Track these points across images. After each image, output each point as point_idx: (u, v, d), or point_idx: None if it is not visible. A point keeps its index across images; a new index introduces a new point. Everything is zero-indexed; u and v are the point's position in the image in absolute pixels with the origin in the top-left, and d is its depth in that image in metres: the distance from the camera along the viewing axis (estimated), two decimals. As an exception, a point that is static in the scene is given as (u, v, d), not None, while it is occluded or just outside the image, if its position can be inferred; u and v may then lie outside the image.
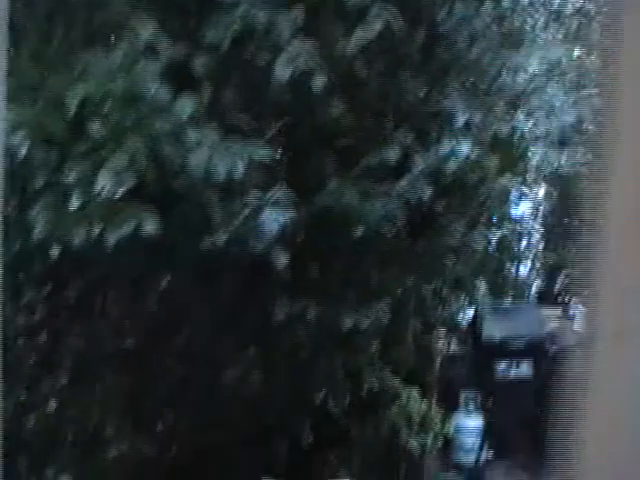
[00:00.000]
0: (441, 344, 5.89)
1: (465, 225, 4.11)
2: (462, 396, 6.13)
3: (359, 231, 2.90)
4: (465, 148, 3.18)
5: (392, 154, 2.94)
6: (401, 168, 3.07)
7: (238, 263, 2.92)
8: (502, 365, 6.20)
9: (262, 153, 2.48)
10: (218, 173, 2.37)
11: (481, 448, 5.97)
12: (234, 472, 4.17)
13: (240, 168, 2.42)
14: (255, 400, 3.87)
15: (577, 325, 6.29)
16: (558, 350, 6.14)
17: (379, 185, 3.01)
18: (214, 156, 2.36)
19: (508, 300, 6.90)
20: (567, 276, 7.00)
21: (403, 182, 3.01)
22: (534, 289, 7.44)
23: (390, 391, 5.24)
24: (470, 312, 6.10)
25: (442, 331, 5.94)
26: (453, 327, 6.16)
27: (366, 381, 4.89)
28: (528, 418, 6.05)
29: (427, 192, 3.08)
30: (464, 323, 6.34)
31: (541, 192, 7.27)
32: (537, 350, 6.16)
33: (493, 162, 3.77)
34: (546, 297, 7.31)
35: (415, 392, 5.43)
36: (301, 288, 3.23)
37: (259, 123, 2.79)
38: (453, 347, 6.36)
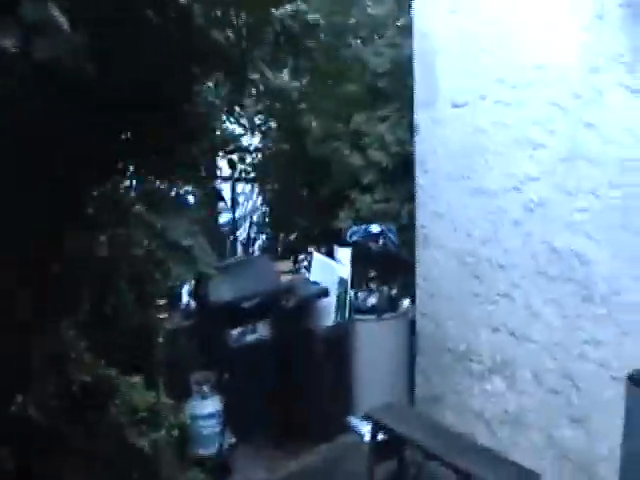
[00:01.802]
0: (163, 318, 5.31)
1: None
2: (193, 378, 5.72)
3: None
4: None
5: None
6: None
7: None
8: (235, 331, 5.83)
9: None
10: None
11: (222, 434, 5.61)
12: None
13: None
14: None
15: (312, 277, 6.22)
16: (296, 304, 5.98)
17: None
18: None
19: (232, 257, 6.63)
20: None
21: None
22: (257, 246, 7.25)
23: (105, 383, 4.63)
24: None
25: (162, 302, 5.42)
26: (174, 296, 5.69)
27: (73, 374, 4.28)
28: (271, 387, 5.81)
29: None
30: (186, 289, 5.92)
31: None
32: (273, 307, 5.92)
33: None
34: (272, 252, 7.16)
35: (138, 381, 4.88)
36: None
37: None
38: (177, 320, 5.84)
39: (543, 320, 4.20)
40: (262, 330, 5.91)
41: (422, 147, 5.04)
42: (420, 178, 5.10)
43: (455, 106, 4.67)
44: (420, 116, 5.04)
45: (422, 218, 5.13)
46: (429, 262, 5.10)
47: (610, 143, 3.68)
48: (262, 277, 6.01)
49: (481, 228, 4.57)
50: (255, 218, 7.43)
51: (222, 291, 5.74)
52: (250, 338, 5.88)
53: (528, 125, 4.18)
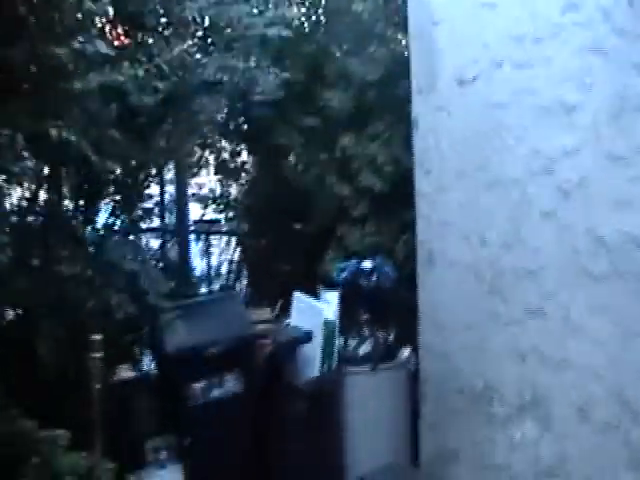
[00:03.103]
0: (102, 364, 4.23)
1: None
2: (148, 444, 4.64)
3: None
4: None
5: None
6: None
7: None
8: (198, 385, 4.73)
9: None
10: None
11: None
12: None
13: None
14: None
15: (293, 321, 5.17)
16: (272, 352, 4.91)
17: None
18: None
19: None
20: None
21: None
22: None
23: (19, 438, 3.56)
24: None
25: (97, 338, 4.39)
26: (119, 336, 4.64)
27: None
28: (244, 453, 4.69)
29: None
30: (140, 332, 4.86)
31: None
32: (244, 356, 4.84)
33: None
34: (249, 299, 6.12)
35: (64, 438, 3.80)
36: None
37: None
38: (125, 369, 4.76)
39: (589, 335, 3.17)
40: (231, 384, 4.82)
41: (422, 144, 4.10)
42: (421, 183, 4.14)
43: (462, 83, 3.76)
44: (419, 106, 4.12)
45: (424, 231, 4.14)
46: (435, 285, 4.08)
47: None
48: (231, 319, 4.96)
49: (501, 229, 3.58)
50: (231, 266, 6.41)
51: (182, 335, 4.71)
52: (217, 394, 4.78)
53: (559, 84, 3.25)
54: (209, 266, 6.43)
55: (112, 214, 4.39)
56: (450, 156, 3.87)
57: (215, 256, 6.50)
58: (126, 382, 4.75)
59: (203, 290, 6.20)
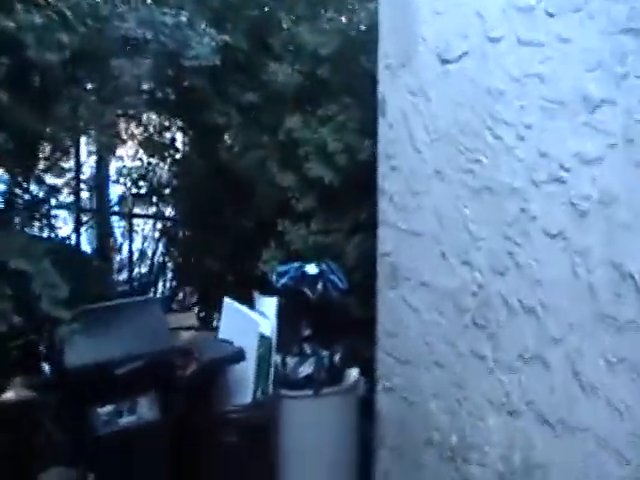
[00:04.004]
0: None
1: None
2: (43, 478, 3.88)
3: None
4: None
5: None
6: None
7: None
8: (104, 410, 3.91)
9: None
10: None
11: None
12: None
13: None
14: None
15: (222, 333, 4.39)
16: (197, 371, 4.12)
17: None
18: None
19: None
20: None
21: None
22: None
23: None
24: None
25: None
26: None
27: None
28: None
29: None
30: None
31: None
32: (162, 376, 4.04)
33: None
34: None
35: None
36: None
37: None
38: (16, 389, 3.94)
39: (603, 396, 2.47)
40: (145, 409, 4.02)
41: (390, 133, 3.34)
42: (385, 180, 3.39)
43: (446, 60, 2.99)
44: (387, 85, 3.36)
45: (388, 241, 3.40)
46: (399, 308, 3.34)
47: None
48: (147, 330, 4.13)
49: (491, 249, 2.85)
50: (154, 259, 5.57)
51: (86, 349, 3.88)
52: (127, 420, 3.98)
53: (579, 72, 2.50)
54: (130, 259, 5.57)
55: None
56: (426, 151, 3.12)
57: (136, 246, 5.65)
58: (16, 405, 3.92)
59: (119, 289, 5.34)
